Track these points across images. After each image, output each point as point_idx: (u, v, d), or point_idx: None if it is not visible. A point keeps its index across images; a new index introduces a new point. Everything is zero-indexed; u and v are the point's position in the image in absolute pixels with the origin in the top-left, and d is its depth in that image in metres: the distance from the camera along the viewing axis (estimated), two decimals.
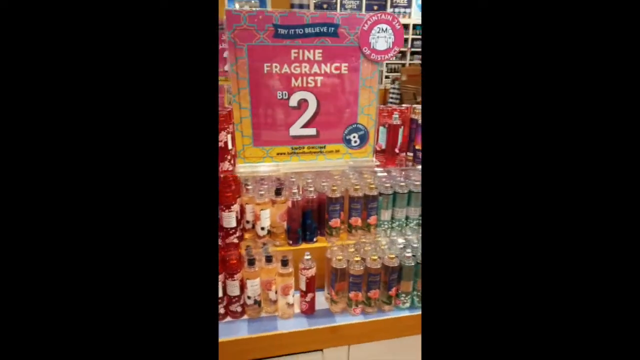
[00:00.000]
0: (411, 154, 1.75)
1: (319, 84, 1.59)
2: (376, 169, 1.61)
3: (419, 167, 1.65)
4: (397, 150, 1.69)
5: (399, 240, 1.43)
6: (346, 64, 1.59)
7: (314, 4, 6.03)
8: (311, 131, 1.65)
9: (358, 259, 1.35)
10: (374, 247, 1.40)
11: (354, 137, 1.69)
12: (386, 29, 1.56)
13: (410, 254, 1.37)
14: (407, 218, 1.55)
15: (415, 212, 1.54)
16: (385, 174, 1.56)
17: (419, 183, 1.50)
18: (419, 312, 1.43)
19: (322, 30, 1.53)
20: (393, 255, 1.36)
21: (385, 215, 1.51)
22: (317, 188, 1.49)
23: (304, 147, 1.67)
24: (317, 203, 1.46)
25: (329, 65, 1.58)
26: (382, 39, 1.57)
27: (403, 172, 1.58)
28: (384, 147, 1.72)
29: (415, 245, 1.42)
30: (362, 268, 1.35)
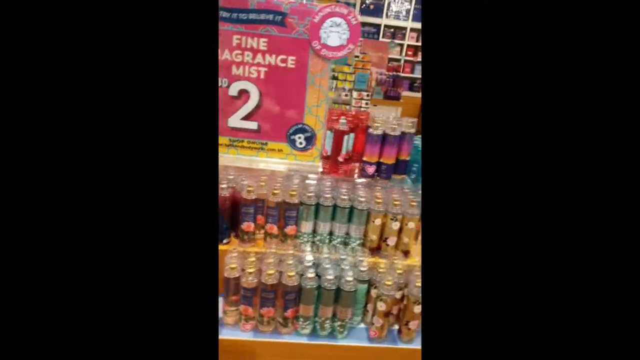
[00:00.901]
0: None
1: (262, 76, 1.47)
2: (310, 175, 1.46)
3: (360, 180, 1.48)
4: (340, 159, 1.52)
5: (307, 258, 1.27)
6: (293, 58, 1.45)
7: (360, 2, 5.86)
8: (252, 125, 1.53)
9: (252, 270, 1.22)
10: (277, 261, 1.26)
11: (300, 137, 1.55)
12: (340, 24, 1.40)
13: (312, 275, 1.22)
14: (331, 234, 1.39)
15: (340, 229, 1.37)
16: (315, 182, 1.41)
17: (346, 197, 1.34)
18: (321, 341, 1.27)
19: (267, 17, 1.40)
20: (292, 273, 1.21)
21: (306, 227, 1.36)
22: (238, 186, 1.37)
23: (243, 141, 1.56)
24: (230, 202, 1.34)
25: (274, 56, 1.45)
26: (334, 34, 1.41)
27: (337, 183, 1.42)
28: (329, 153, 1.56)
29: (326, 266, 1.26)
30: (255, 281, 1.22)
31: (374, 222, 1.35)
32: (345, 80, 4.52)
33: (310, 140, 1.55)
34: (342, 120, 1.48)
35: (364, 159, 1.50)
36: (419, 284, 1.25)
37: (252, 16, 1.40)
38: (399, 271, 1.28)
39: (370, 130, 1.47)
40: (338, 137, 1.48)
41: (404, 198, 1.38)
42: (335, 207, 1.34)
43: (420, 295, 1.25)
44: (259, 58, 1.45)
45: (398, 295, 1.29)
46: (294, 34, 1.42)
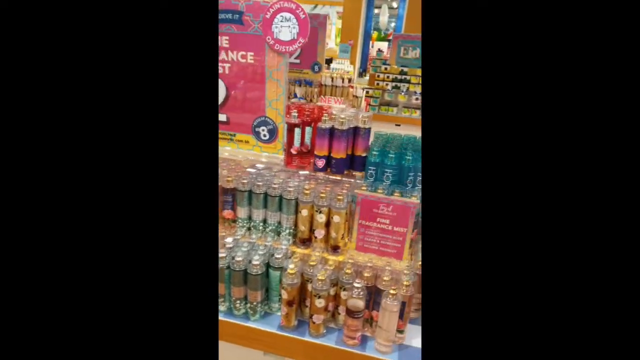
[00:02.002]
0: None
1: (227, 71, 1.59)
2: (257, 165, 1.53)
3: (303, 172, 1.49)
4: (293, 151, 1.55)
5: (227, 239, 1.35)
6: (252, 53, 1.54)
7: None
8: (222, 117, 1.66)
9: None
10: None
11: (263, 130, 1.63)
12: (289, 18, 1.44)
13: (223, 255, 1.29)
14: (265, 222, 1.44)
15: (272, 217, 1.41)
16: (255, 170, 1.48)
17: (277, 186, 1.38)
18: (234, 319, 1.34)
19: (227, 17, 1.52)
20: None
21: (242, 212, 1.44)
22: None
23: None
24: None
25: (235, 53, 1.56)
26: (285, 29, 1.46)
27: (277, 174, 1.46)
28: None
29: (243, 248, 1.32)
30: None
31: (301, 212, 1.36)
32: (418, 83, 4.37)
33: (273, 132, 1.62)
34: (293, 113, 1.51)
35: (315, 152, 1.51)
36: (322, 277, 1.22)
37: None
38: (312, 263, 1.27)
39: (320, 124, 1.47)
40: (289, 129, 1.52)
41: (337, 192, 1.35)
42: (266, 195, 1.39)
43: (323, 289, 1.22)
44: (223, 55, 1.58)
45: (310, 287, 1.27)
46: (250, 30, 1.51)
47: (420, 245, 1.40)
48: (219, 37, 1.55)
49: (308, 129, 1.54)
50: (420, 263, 1.32)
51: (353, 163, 1.53)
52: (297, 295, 1.27)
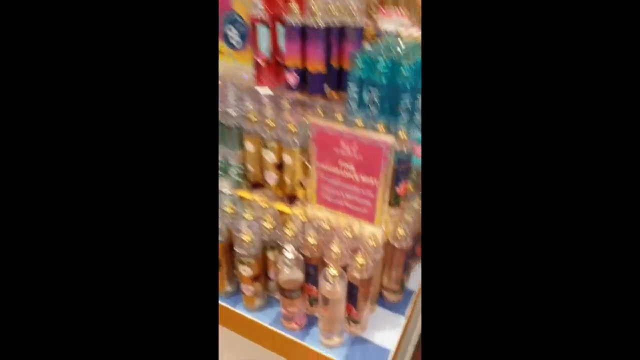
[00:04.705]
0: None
1: None
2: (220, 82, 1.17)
3: (266, 92, 1.10)
4: (260, 61, 1.14)
5: None
6: None
7: None
8: None
9: None
10: None
11: (233, 31, 1.23)
12: None
13: None
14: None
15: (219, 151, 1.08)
16: None
17: (220, 110, 1.03)
18: None
19: None
20: None
21: None
22: None
23: None
24: None
25: None
26: None
27: (231, 92, 1.10)
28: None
29: None
30: None
31: (245, 146, 1.01)
32: None
33: (244, 36, 1.22)
34: (257, 3, 1.08)
35: (286, 62, 1.09)
36: (248, 239, 0.89)
37: None
38: (247, 217, 0.94)
39: (287, 18, 1.03)
40: (252, 29, 1.10)
41: (288, 120, 0.96)
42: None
43: (246, 254, 0.90)
44: None
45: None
46: None
47: (415, 203, 0.97)
48: None
49: (282, 29, 1.11)
50: (401, 231, 0.91)
51: (341, 79, 1.08)
52: (225, 257, 0.96)
